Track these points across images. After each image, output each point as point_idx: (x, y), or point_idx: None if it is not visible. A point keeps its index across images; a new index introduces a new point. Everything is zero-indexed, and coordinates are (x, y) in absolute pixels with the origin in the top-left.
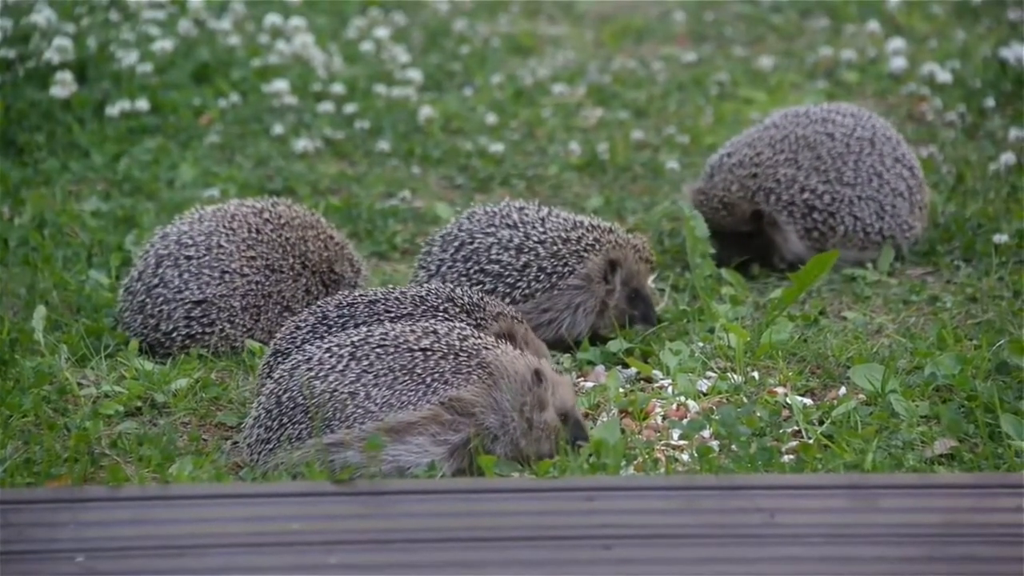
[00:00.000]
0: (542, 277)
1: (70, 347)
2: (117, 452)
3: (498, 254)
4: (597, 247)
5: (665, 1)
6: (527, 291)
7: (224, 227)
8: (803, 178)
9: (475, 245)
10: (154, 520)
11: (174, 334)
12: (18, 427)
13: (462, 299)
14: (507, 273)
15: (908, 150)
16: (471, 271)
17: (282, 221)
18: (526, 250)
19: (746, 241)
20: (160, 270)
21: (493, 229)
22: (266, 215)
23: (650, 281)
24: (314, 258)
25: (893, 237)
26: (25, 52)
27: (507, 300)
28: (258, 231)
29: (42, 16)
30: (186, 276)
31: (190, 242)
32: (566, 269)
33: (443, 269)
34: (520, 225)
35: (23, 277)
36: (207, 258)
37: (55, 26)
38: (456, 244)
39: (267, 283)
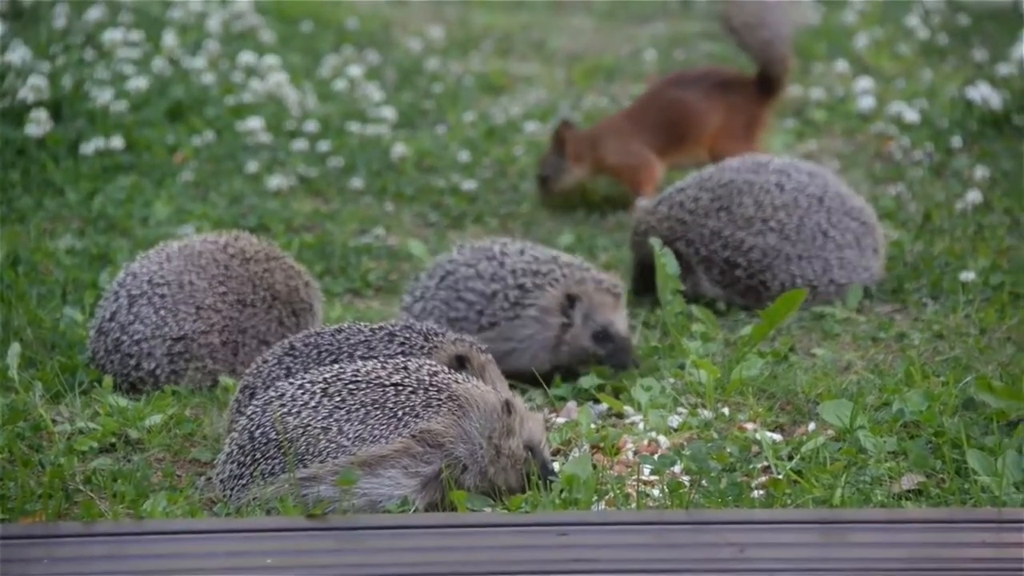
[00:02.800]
0: (507, 306)
1: (44, 384)
2: (91, 488)
3: (473, 283)
4: (559, 281)
5: (635, 39)
6: (492, 319)
7: (193, 265)
8: (729, 232)
9: (456, 275)
10: (128, 556)
11: (157, 371)
12: None
13: (419, 327)
14: (478, 301)
15: (860, 203)
16: (450, 299)
17: (247, 255)
18: (497, 279)
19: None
20: (135, 308)
21: (475, 261)
22: (231, 250)
23: (622, 321)
24: (281, 288)
25: (848, 283)
26: (0, 90)
27: (476, 327)
28: (226, 267)
29: (17, 55)
30: (163, 313)
31: (162, 280)
32: (527, 300)
33: (427, 295)
34: (498, 257)
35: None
36: (181, 295)
37: (30, 64)
38: (441, 274)
39: (241, 318)
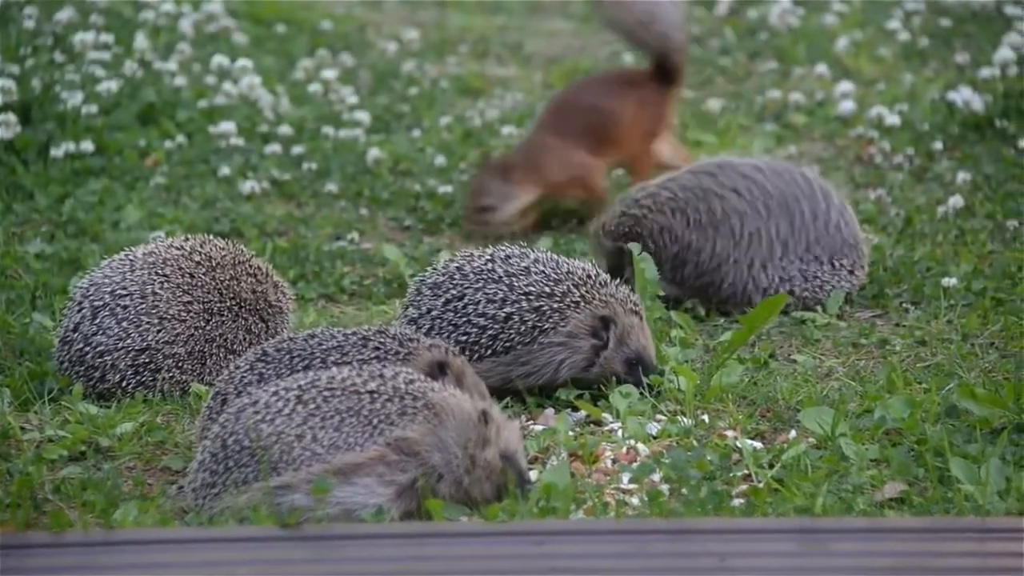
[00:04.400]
0: (523, 330)
1: (13, 391)
2: (61, 497)
3: (484, 308)
4: (583, 304)
5: (613, 43)
6: (507, 343)
7: (157, 274)
8: (680, 231)
9: (464, 300)
10: (99, 566)
11: (123, 383)
12: None
13: (393, 332)
14: (490, 326)
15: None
16: (459, 322)
17: (214, 263)
18: (509, 302)
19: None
20: (97, 320)
21: (482, 284)
22: (197, 257)
23: (651, 345)
24: (248, 295)
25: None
26: None
27: (488, 352)
28: (192, 275)
29: None
30: (125, 324)
31: (124, 292)
32: (547, 324)
33: (432, 313)
34: (505, 278)
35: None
36: (144, 306)
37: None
38: (447, 296)
39: (208, 327)
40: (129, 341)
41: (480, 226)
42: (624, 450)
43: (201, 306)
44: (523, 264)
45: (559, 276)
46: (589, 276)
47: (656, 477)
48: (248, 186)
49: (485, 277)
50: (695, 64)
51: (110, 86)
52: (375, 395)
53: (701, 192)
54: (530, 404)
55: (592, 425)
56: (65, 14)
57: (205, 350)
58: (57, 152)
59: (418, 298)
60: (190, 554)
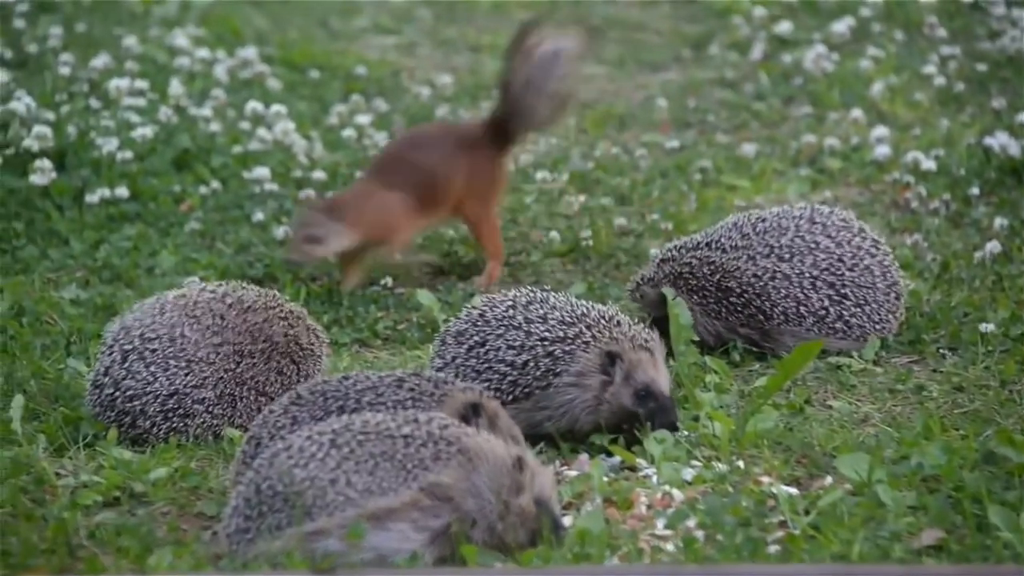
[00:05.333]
0: (539, 375)
1: (48, 436)
2: (96, 543)
3: (503, 354)
4: (592, 343)
5: (647, 87)
6: (527, 388)
7: (187, 316)
8: (717, 258)
9: (487, 346)
10: None
11: (153, 427)
12: None
13: (429, 375)
14: (509, 372)
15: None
16: (481, 368)
17: (245, 306)
18: (526, 349)
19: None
20: (127, 364)
21: (503, 330)
22: (228, 300)
23: (664, 378)
24: (280, 339)
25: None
26: (4, 139)
27: (510, 398)
28: (222, 317)
29: (21, 103)
30: (153, 368)
31: (153, 335)
32: (559, 367)
33: (457, 361)
34: (523, 326)
35: (1, 366)
36: (172, 349)
37: (34, 113)
38: (470, 343)
39: (238, 369)
40: (157, 385)
41: (302, 256)
42: (659, 496)
43: (231, 348)
44: (541, 311)
45: (573, 319)
46: (603, 317)
47: (691, 523)
48: (282, 231)
49: (506, 324)
50: (729, 108)
51: (145, 132)
52: (409, 440)
53: (732, 223)
54: (564, 449)
55: (627, 471)
56: (100, 61)
57: (236, 393)
58: (92, 198)
59: (443, 347)
60: None
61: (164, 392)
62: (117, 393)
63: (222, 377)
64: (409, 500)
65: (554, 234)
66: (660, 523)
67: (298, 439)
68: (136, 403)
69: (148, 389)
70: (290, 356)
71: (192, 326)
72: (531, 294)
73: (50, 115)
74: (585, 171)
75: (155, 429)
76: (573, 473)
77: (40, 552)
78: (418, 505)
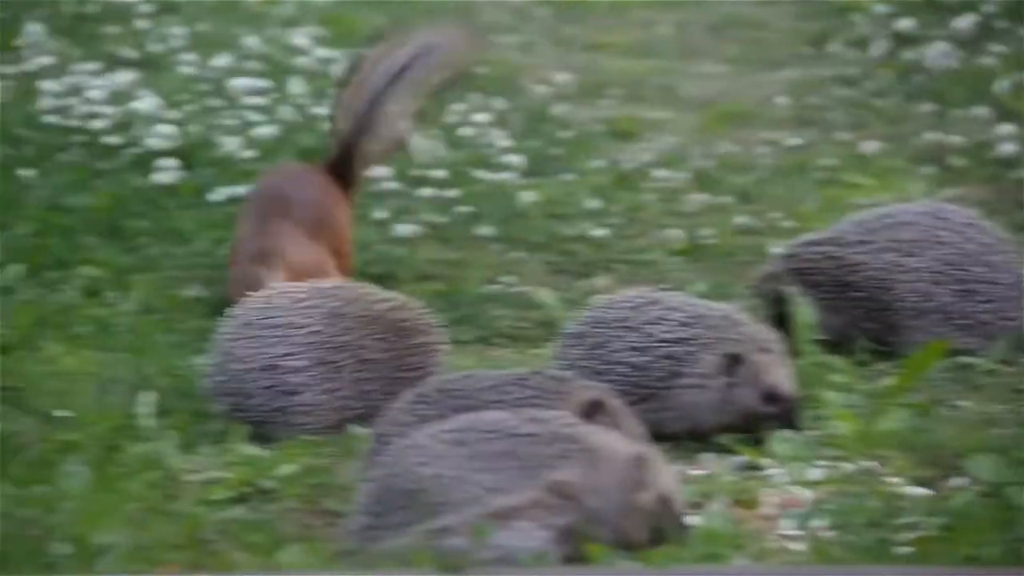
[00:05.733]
0: (659, 377)
1: (178, 433)
2: (225, 539)
3: (623, 356)
4: (713, 344)
5: (767, 85)
6: (648, 391)
7: (293, 300)
8: (839, 252)
9: (607, 348)
10: None
11: (272, 420)
12: (127, 513)
13: (551, 373)
14: (631, 374)
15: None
16: (602, 370)
17: (366, 302)
18: (646, 351)
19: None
20: (244, 357)
21: (622, 332)
22: (347, 296)
23: (788, 379)
24: (401, 337)
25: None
26: (128, 139)
27: (630, 399)
28: (343, 315)
29: (145, 103)
30: (270, 360)
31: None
32: (680, 368)
33: (578, 363)
34: (642, 328)
35: (129, 364)
36: (273, 328)
37: (158, 113)
38: (590, 344)
39: (358, 364)
40: (281, 385)
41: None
42: (786, 495)
43: (350, 342)
44: (658, 312)
45: (691, 320)
46: (722, 317)
47: (819, 523)
48: (402, 229)
49: (624, 326)
50: (850, 105)
51: (266, 131)
52: (533, 438)
53: (855, 219)
54: (688, 449)
55: (752, 470)
56: (222, 60)
57: (356, 389)
58: (215, 196)
59: (563, 350)
60: None
61: (285, 390)
62: (222, 377)
63: (340, 373)
64: (533, 498)
65: (674, 232)
66: (787, 523)
67: (423, 437)
68: (237, 381)
69: (266, 383)
70: (414, 353)
71: (310, 319)
72: (648, 294)
73: (173, 114)
74: (705, 169)
75: (272, 420)
76: (698, 472)
77: (171, 547)
78: (542, 503)
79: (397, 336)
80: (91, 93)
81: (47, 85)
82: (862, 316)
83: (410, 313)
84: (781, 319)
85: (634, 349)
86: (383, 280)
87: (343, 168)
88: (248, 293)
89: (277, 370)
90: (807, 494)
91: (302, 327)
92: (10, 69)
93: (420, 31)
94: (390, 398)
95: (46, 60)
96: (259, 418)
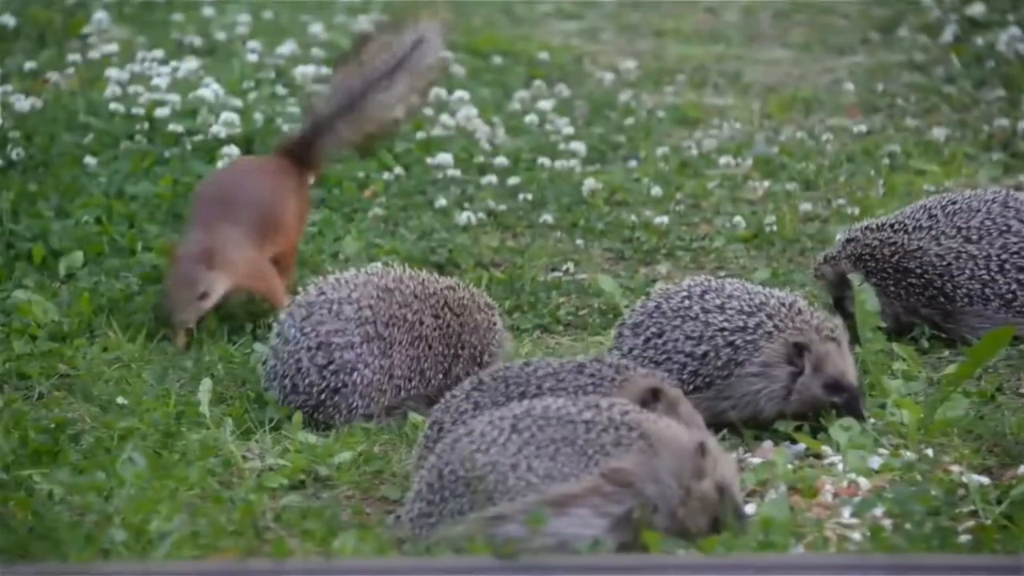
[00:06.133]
0: (719, 365)
1: (235, 420)
2: (281, 526)
3: (681, 346)
4: (776, 333)
5: (833, 71)
6: (707, 378)
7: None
8: (901, 239)
9: (664, 338)
10: None
11: (313, 390)
12: (184, 500)
13: (610, 361)
14: (689, 363)
15: None
16: (659, 359)
17: (426, 289)
18: (705, 339)
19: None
20: (301, 343)
21: (679, 321)
22: (408, 281)
23: (851, 368)
24: (459, 323)
25: None
26: (193, 126)
27: (690, 387)
28: (401, 299)
29: (210, 90)
30: (327, 344)
31: (325, 312)
32: (741, 357)
33: (634, 352)
34: (701, 315)
35: (189, 350)
36: (346, 327)
37: (222, 100)
38: (647, 335)
39: (419, 353)
40: (334, 363)
41: (195, 314)
42: (845, 484)
43: (416, 333)
44: (718, 301)
45: (752, 309)
46: (783, 305)
47: (878, 512)
48: (464, 217)
49: (682, 315)
50: (918, 91)
51: None
52: (590, 425)
53: (920, 205)
54: (747, 436)
55: (812, 458)
56: (287, 48)
57: (411, 368)
58: None
59: (620, 340)
60: None
61: (343, 370)
62: (275, 362)
63: (398, 358)
64: (590, 486)
65: (738, 219)
66: (846, 512)
67: (479, 424)
68: (313, 377)
69: (324, 365)
70: (475, 340)
71: (371, 304)
72: (706, 283)
73: (238, 102)
74: (770, 156)
75: (314, 389)
76: (756, 460)
77: (228, 534)
78: (599, 491)
79: (454, 314)
80: (156, 81)
81: (112, 73)
82: (922, 302)
83: (467, 292)
84: (843, 306)
85: (692, 338)
86: (445, 268)
87: (307, 148)
88: (186, 293)
89: (329, 347)
90: (867, 482)
91: (352, 303)
92: (76, 57)
93: (421, 23)
94: (447, 378)
95: (112, 48)
96: (314, 402)
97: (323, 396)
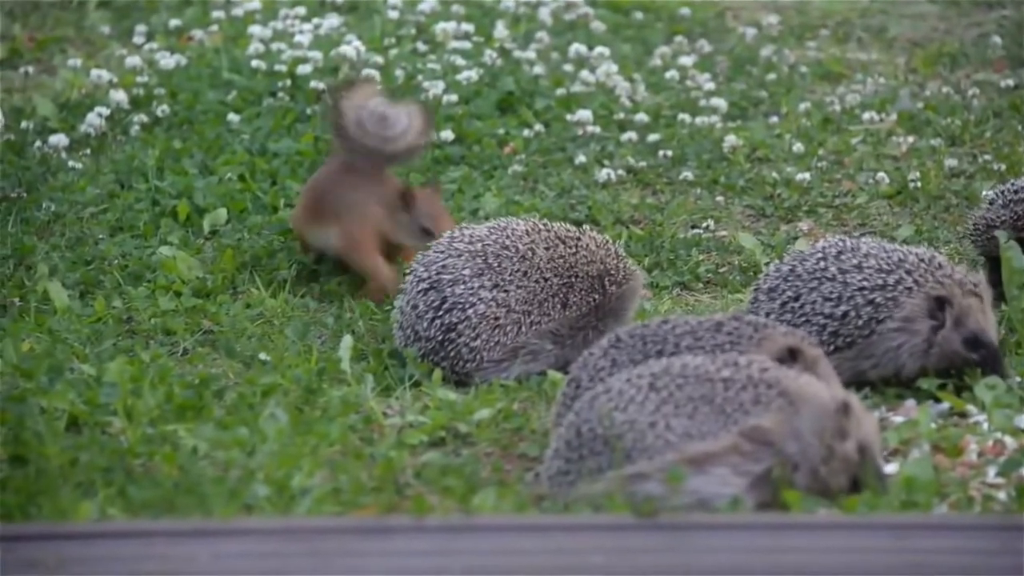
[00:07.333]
0: (860, 324)
1: (375, 376)
2: (421, 482)
3: (820, 307)
4: (916, 288)
5: (981, 25)
6: (848, 339)
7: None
8: None
9: (801, 301)
10: (458, 551)
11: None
12: (325, 456)
13: (749, 318)
14: (828, 324)
15: None
16: (798, 322)
17: (558, 238)
18: (844, 299)
19: None
20: (432, 296)
21: (816, 283)
22: (540, 233)
23: (992, 325)
24: (590, 275)
25: None
26: (335, 83)
27: (831, 348)
28: (532, 251)
29: (351, 47)
30: (459, 298)
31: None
32: (882, 314)
33: (771, 317)
34: (839, 275)
35: (330, 308)
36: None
37: (364, 57)
38: (783, 299)
39: (560, 310)
40: (447, 301)
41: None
42: (990, 443)
43: (523, 253)
44: (855, 260)
45: (890, 267)
46: (922, 261)
47: None
48: (604, 174)
49: (819, 276)
50: None
51: (470, 75)
52: (729, 383)
53: None
54: (889, 395)
55: (956, 417)
56: (428, 4)
57: (529, 307)
58: None
59: (755, 304)
60: (546, 541)
61: (425, 286)
62: (399, 315)
63: (531, 309)
64: (729, 444)
65: (881, 176)
66: (991, 471)
67: (617, 382)
68: (409, 309)
69: (414, 288)
70: (603, 292)
71: (500, 259)
72: (841, 243)
73: (379, 59)
74: (914, 112)
75: (432, 331)
76: (899, 419)
77: (368, 490)
78: (738, 449)
79: (565, 244)
80: (298, 38)
81: (255, 30)
82: None
83: (598, 242)
84: (991, 262)
85: (831, 300)
86: (583, 224)
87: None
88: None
89: (440, 284)
90: (1013, 441)
91: (462, 239)
92: (220, 14)
93: None
94: (566, 309)
95: (255, 5)
96: (434, 345)
97: (440, 337)
